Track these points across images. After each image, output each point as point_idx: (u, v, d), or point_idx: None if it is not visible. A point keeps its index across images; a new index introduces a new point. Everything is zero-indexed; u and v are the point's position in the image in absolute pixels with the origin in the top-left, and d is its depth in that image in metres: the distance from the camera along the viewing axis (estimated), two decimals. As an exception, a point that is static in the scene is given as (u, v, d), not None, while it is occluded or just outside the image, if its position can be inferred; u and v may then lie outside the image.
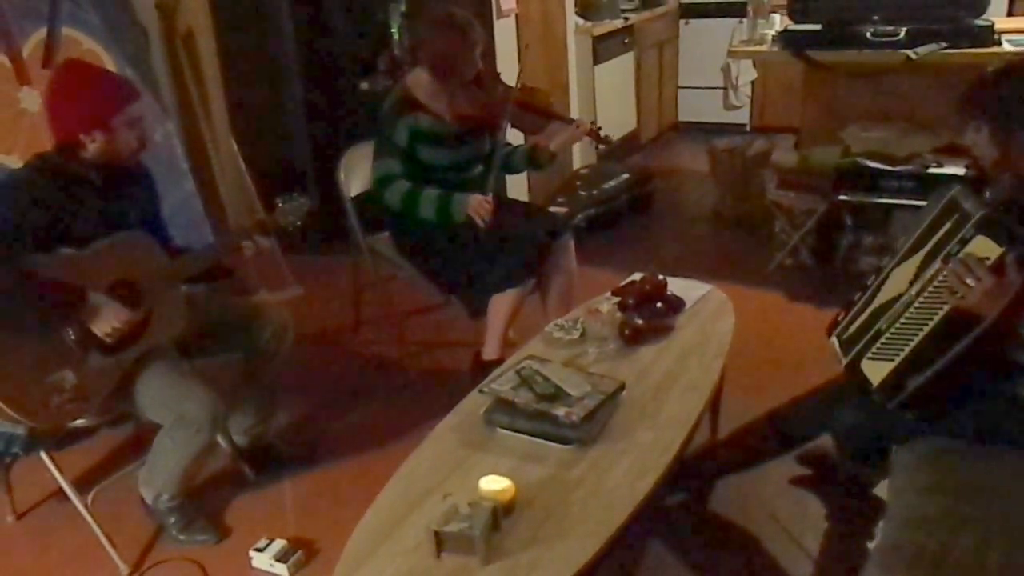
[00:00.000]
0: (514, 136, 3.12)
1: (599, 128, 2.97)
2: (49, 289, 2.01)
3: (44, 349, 2.03)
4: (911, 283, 1.84)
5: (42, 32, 2.96)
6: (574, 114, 5.04)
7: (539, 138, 2.99)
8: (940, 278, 1.72)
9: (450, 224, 2.83)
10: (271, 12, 4.35)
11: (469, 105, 2.88)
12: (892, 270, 1.95)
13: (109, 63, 3.07)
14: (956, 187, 1.84)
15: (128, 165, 2.27)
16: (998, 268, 1.60)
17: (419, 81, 2.88)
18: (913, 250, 1.88)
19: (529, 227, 2.90)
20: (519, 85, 2.94)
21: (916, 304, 1.80)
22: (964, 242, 1.68)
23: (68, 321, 2.05)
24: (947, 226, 1.77)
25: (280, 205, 2.46)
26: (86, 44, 3.06)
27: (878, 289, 1.97)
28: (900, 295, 1.86)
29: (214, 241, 3.01)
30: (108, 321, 2.07)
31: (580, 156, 5.29)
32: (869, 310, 1.97)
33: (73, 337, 2.06)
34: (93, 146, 2.14)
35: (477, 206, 2.78)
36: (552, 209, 4.40)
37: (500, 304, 2.84)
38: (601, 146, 3.08)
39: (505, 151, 3.06)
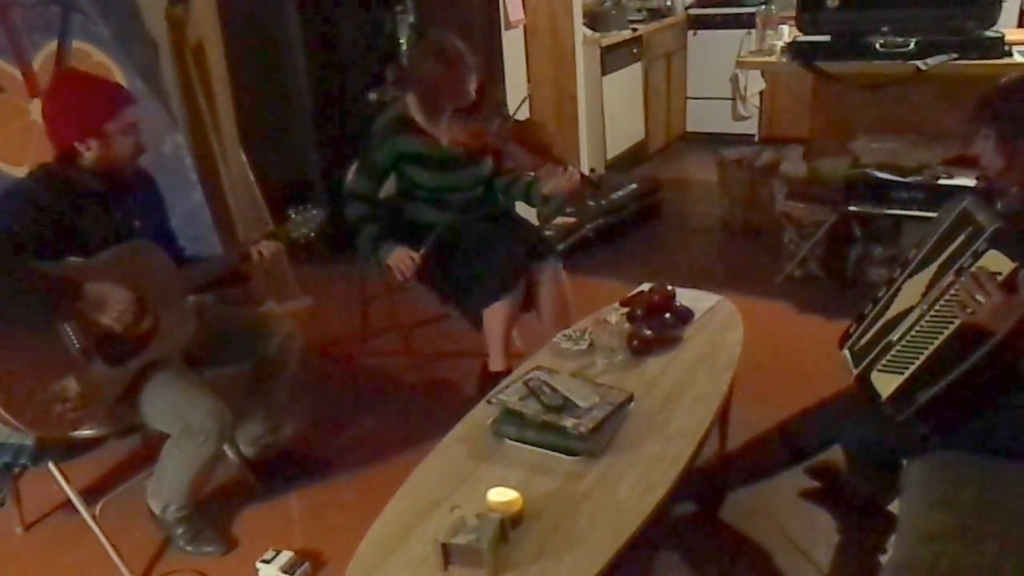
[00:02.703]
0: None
1: (598, 177, 2.89)
2: (45, 285, 2.00)
3: (47, 357, 2.04)
4: (923, 296, 1.82)
5: (53, 45, 2.97)
6: (581, 124, 5.05)
7: (538, 174, 2.93)
8: (952, 292, 1.70)
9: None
10: (280, 23, 4.37)
11: (462, 133, 2.81)
12: (904, 282, 1.93)
13: (119, 75, 3.09)
14: (969, 198, 1.82)
15: (128, 172, 2.27)
16: (1009, 284, 1.58)
17: (416, 104, 2.88)
18: (925, 262, 1.87)
19: (511, 244, 2.88)
20: (517, 119, 2.87)
21: (927, 318, 1.78)
22: (977, 256, 1.67)
23: (70, 315, 2.04)
24: (960, 239, 1.76)
25: (293, 217, 2.46)
26: (96, 56, 3.07)
27: (890, 301, 1.95)
28: (912, 308, 1.85)
29: (223, 251, 3.01)
30: (112, 305, 2.07)
31: (587, 164, 5.28)
32: (880, 322, 1.95)
33: (76, 345, 2.07)
34: (89, 154, 2.14)
35: (397, 260, 2.80)
36: (557, 221, 4.40)
37: (492, 317, 2.84)
38: (591, 194, 2.99)
39: (510, 176, 3.04)
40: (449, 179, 2.92)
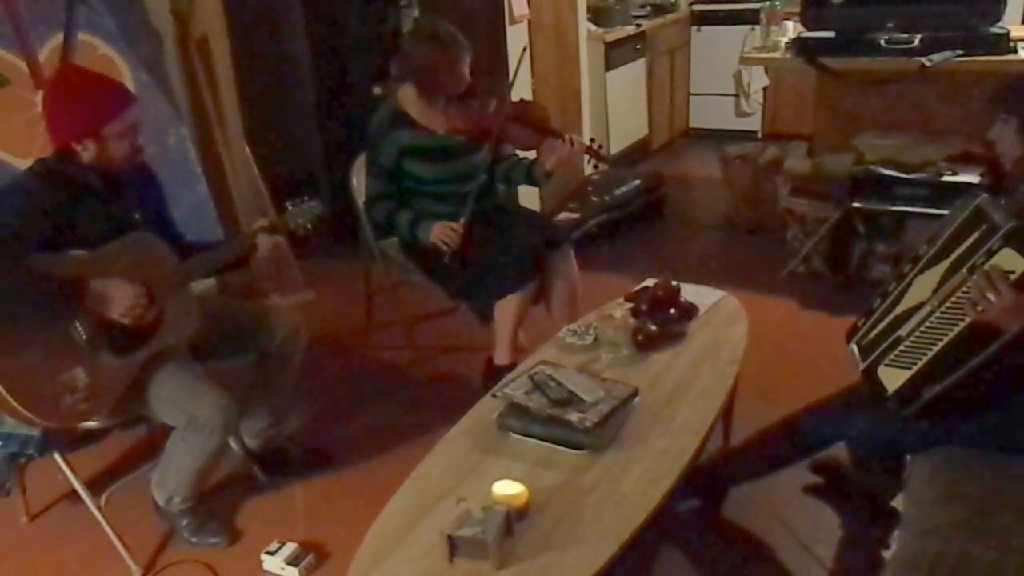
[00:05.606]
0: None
1: (599, 146, 2.91)
2: (49, 285, 2.00)
3: (56, 348, 2.04)
4: (934, 292, 1.82)
5: (58, 37, 2.98)
6: (585, 120, 5.06)
7: (540, 149, 2.95)
8: (963, 289, 1.70)
9: (421, 244, 2.86)
10: (285, 17, 4.37)
11: (460, 119, 2.84)
12: (915, 277, 1.93)
13: (124, 68, 3.09)
14: (983, 196, 1.81)
15: (125, 170, 2.26)
16: (1022, 283, 1.58)
17: (409, 96, 2.88)
18: (937, 258, 1.86)
19: (526, 234, 2.89)
20: (513, 99, 2.90)
21: (937, 314, 1.78)
22: (990, 254, 1.66)
23: (76, 314, 2.04)
24: (974, 236, 1.75)
25: (289, 208, 2.46)
26: (101, 49, 3.07)
27: (900, 296, 1.95)
28: (922, 304, 1.85)
29: (224, 239, 3.01)
30: (120, 301, 2.06)
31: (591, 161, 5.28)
32: (889, 317, 1.95)
33: (84, 336, 2.07)
34: (86, 154, 2.14)
35: (440, 233, 2.79)
36: (560, 216, 4.41)
37: (504, 309, 2.84)
38: (600, 165, 3.02)
39: (508, 163, 3.05)
40: (450, 169, 2.91)
